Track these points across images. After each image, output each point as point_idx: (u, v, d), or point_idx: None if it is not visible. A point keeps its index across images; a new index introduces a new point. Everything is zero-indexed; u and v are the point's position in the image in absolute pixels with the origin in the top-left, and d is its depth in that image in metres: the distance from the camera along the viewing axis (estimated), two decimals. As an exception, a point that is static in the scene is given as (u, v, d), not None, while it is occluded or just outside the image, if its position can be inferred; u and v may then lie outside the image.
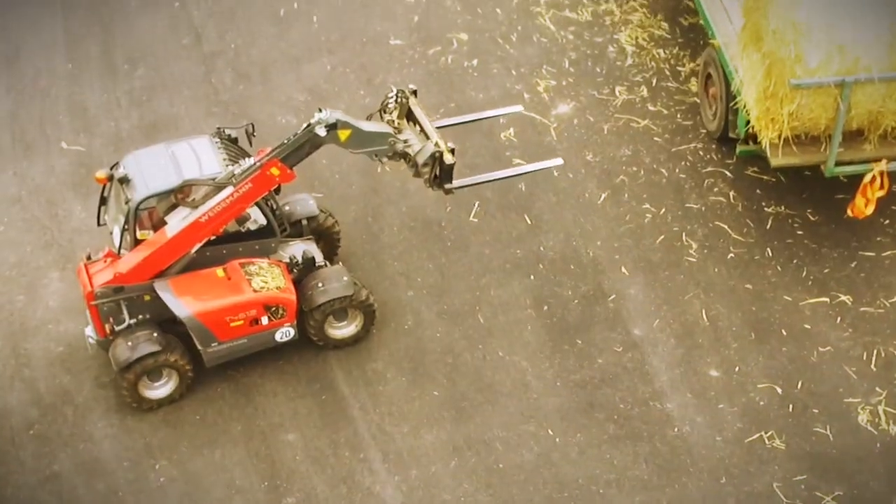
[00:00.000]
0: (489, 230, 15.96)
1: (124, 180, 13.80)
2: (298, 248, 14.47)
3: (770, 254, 15.62)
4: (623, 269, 15.51)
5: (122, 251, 13.94)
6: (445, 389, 14.48)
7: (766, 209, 16.06)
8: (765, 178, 16.39)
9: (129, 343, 13.82)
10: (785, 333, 14.89)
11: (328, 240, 15.18)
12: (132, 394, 14.02)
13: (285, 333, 14.26)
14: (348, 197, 16.28)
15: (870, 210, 14.99)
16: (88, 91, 17.62)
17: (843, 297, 15.18)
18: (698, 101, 17.16)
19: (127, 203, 13.73)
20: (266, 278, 14.09)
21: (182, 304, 13.76)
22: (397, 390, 14.46)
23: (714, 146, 16.76)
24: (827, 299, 15.18)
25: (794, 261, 15.56)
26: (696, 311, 15.11)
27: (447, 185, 14.05)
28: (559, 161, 15.13)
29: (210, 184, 13.68)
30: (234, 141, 14.47)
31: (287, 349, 14.68)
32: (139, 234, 13.84)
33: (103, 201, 14.40)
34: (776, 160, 14.91)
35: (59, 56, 18.07)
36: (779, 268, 15.50)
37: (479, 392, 14.45)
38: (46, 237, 15.88)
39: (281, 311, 14.07)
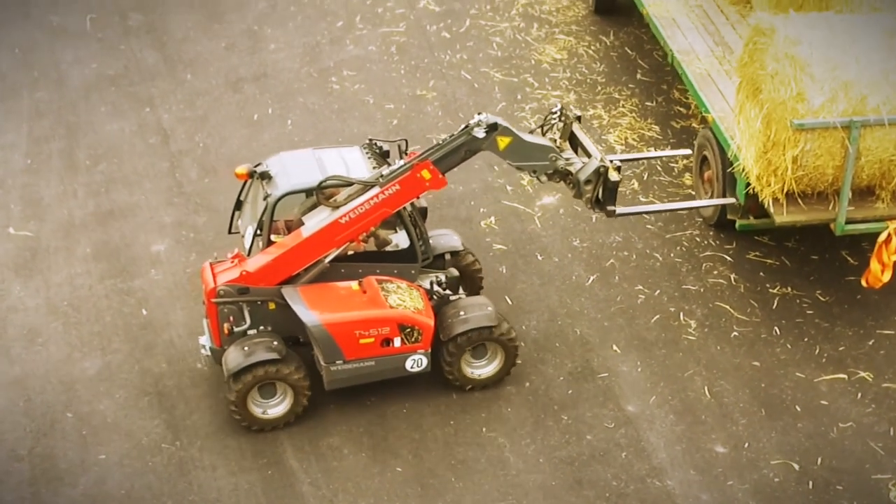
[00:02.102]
0: (466, 310, 13.77)
1: (265, 176, 12.21)
2: (436, 288, 12.58)
3: (778, 332, 13.39)
4: (614, 347, 13.26)
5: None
6: (410, 466, 12.00)
7: (770, 290, 13.92)
8: (768, 261, 14.32)
9: (246, 348, 11.83)
10: (799, 409, 12.51)
11: (470, 278, 13.27)
12: (240, 407, 11.95)
13: (417, 362, 12.13)
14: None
15: (887, 277, 12.84)
16: (44, 183, 15.83)
17: (862, 374, 12.87)
18: (693, 192, 15.28)
19: (266, 199, 11.98)
20: (404, 297, 12.11)
21: (310, 311, 11.71)
22: (355, 465, 11.99)
23: (712, 233, 14.76)
24: (845, 376, 12.86)
25: (805, 339, 13.31)
26: (697, 388, 12.77)
27: (610, 207, 12.26)
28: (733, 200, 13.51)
29: (355, 181, 11.93)
30: (386, 154, 12.70)
31: (232, 422, 12.31)
32: (273, 238, 12.09)
33: (238, 205, 12.75)
34: (781, 217, 12.88)
35: (19, 154, 16.39)
36: (788, 346, 13.24)
37: (450, 469, 11.97)
38: (-23, 314, 13.77)
39: (416, 335, 11.99)
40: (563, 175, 12.34)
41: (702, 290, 13.96)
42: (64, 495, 11.71)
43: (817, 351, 13.16)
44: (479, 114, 12.12)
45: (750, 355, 13.12)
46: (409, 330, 11.98)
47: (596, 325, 13.55)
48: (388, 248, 12.59)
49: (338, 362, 11.92)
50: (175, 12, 19.40)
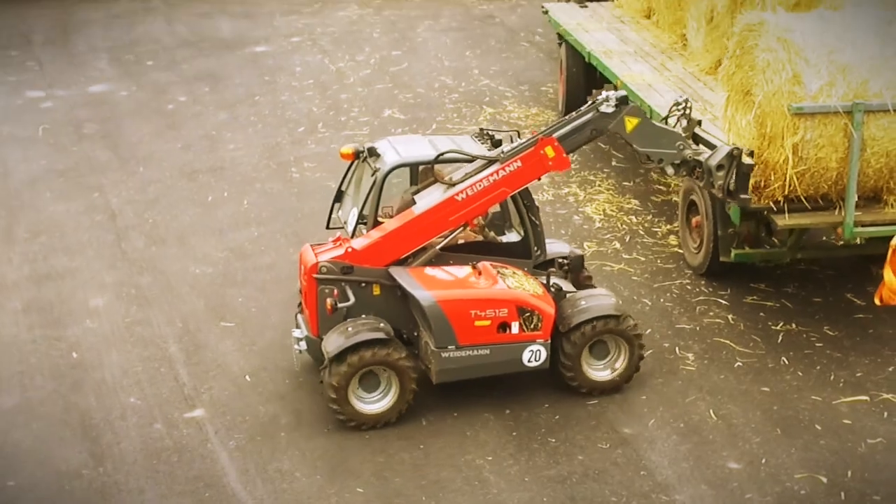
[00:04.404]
0: (437, 350, 11.96)
1: (373, 153, 11.22)
2: (552, 280, 11.05)
3: (786, 362, 11.66)
4: (604, 378, 11.42)
5: None
6: (373, 487, 9.95)
7: (773, 328, 12.26)
8: (768, 303, 12.70)
9: (350, 328, 10.37)
10: (820, 428, 10.64)
11: (580, 287, 11.60)
12: (340, 397, 10.33)
13: (536, 354, 10.55)
14: (266, 326, 12.43)
15: (903, 289, 11.21)
16: (-24, 253, 14.20)
17: (886, 395, 11.08)
18: (680, 250, 13.80)
19: (374, 174, 10.89)
20: (521, 282, 10.69)
21: (423, 288, 10.32)
22: (308, 487, 9.93)
23: (703, 281, 13.18)
24: (867, 398, 11.07)
25: (818, 367, 11.57)
26: (701, 412, 10.91)
27: (744, 196, 10.90)
28: None
29: (476, 156, 10.85)
30: (498, 143, 11.34)
31: (166, 449, 10.31)
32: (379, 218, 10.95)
33: (338, 196, 11.77)
34: (783, 221, 11.42)
35: (-48, 232, 14.81)
36: (799, 373, 11.48)
37: (420, 489, 9.93)
38: None
39: (536, 321, 10.47)
40: (691, 167, 11.12)
41: (697, 328, 12.28)
42: (-40, 520, 9.57)
43: (832, 377, 11.40)
44: (606, 90, 10.94)
45: (757, 382, 11.33)
46: (528, 314, 10.46)
47: (583, 359, 11.74)
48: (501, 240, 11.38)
49: (450, 348, 10.31)
50: (131, 123, 18.30)
